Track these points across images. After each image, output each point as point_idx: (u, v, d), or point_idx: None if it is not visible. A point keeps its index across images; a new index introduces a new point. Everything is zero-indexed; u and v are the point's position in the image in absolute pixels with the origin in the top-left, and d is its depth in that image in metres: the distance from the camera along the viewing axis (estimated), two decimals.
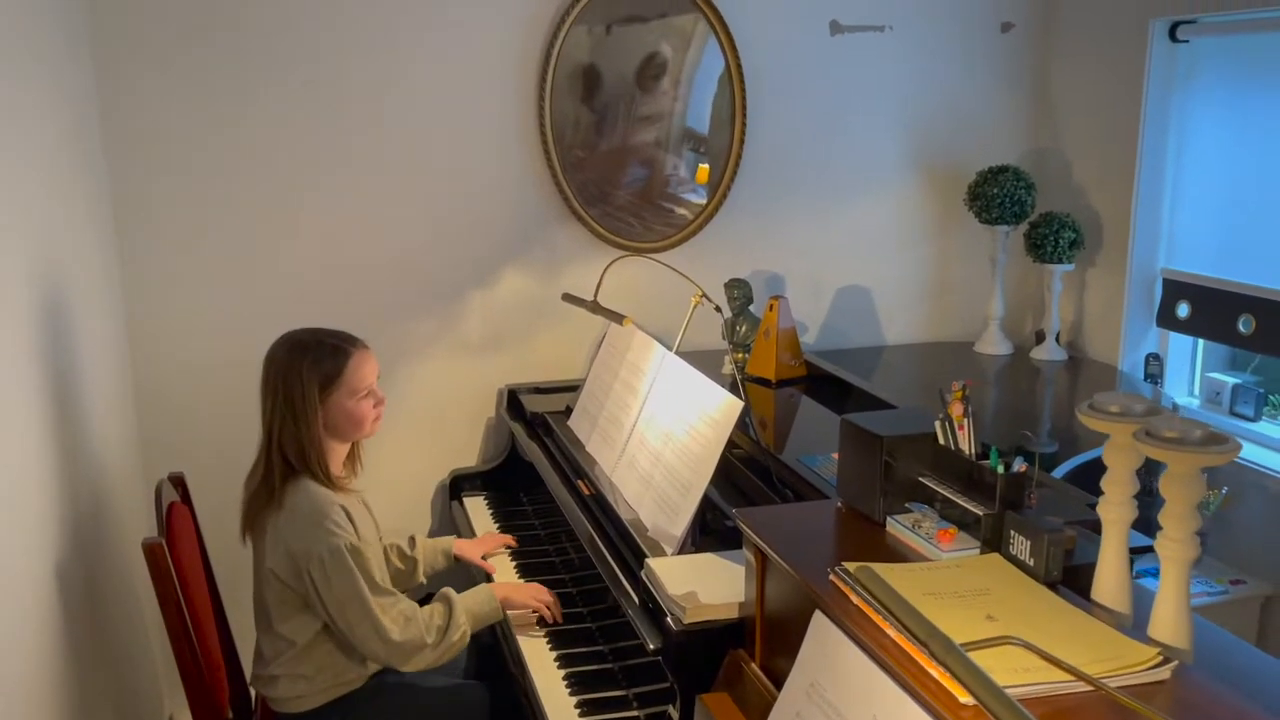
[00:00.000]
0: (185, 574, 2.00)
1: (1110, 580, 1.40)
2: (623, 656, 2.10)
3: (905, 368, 3.27)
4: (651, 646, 1.80)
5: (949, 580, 1.45)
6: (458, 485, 3.00)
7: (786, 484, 2.20)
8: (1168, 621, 1.30)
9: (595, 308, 2.66)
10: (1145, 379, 3.14)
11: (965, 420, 1.60)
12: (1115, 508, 1.38)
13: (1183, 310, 3.06)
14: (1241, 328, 2.86)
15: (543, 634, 2.24)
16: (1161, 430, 1.27)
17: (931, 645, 1.09)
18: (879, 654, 1.30)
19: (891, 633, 1.31)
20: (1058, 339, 3.27)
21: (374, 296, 2.97)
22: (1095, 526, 1.44)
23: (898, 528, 1.64)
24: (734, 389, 2.25)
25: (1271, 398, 2.94)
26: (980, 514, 1.54)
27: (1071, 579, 1.45)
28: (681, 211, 3.19)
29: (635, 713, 1.97)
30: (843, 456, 1.77)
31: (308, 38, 2.81)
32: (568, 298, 2.82)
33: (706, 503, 2.07)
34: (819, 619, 1.42)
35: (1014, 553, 1.49)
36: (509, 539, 2.64)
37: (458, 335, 3.09)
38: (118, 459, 2.57)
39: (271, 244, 2.88)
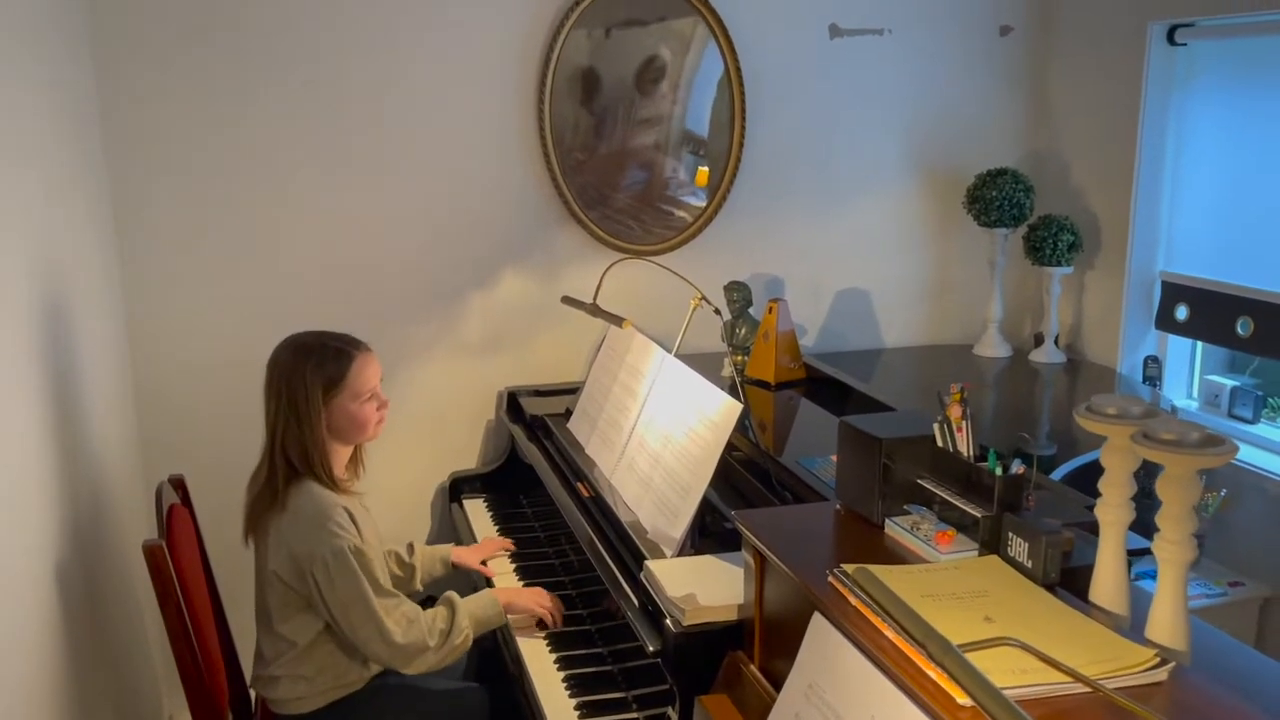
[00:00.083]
0: (185, 576, 2.00)
1: (1108, 582, 1.40)
2: (622, 658, 2.10)
3: (904, 370, 3.27)
4: (651, 648, 1.80)
5: (947, 582, 1.45)
6: (457, 487, 3.00)
7: (785, 486, 2.20)
8: (1165, 623, 1.30)
9: (595, 310, 2.66)
10: (1144, 381, 3.14)
11: (964, 422, 1.61)
12: (1113, 510, 1.39)
13: (1181, 313, 3.06)
14: (1240, 330, 2.86)
15: (542, 636, 2.24)
16: (1158, 432, 1.27)
17: (929, 646, 1.09)
18: (877, 655, 1.30)
19: (890, 634, 1.31)
20: (1056, 341, 3.28)
21: (374, 297, 2.98)
22: (1093, 528, 1.44)
23: (896, 530, 1.64)
24: (733, 391, 2.25)
25: (1270, 400, 2.95)
26: (978, 516, 1.54)
27: (1069, 581, 1.45)
28: (681, 214, 3.20)
29: (635, 714, 1.98)
30: (841, 459, 1.77)
31: (308, 38, 2.81)
32: (567, 300, 2.82)
33: (706, 505, 2.07)
34: (818, 621, 1.43)
35: (1012, 554, 1.49)
36: (507, 543, 2.64)
37: (457, 337, 3.09)
38: (118, 459, 2.57)
39: (271, 244, 2.89)
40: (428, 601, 2.22)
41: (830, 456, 2.18)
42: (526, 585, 2.44)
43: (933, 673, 1.22)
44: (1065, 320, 3.38)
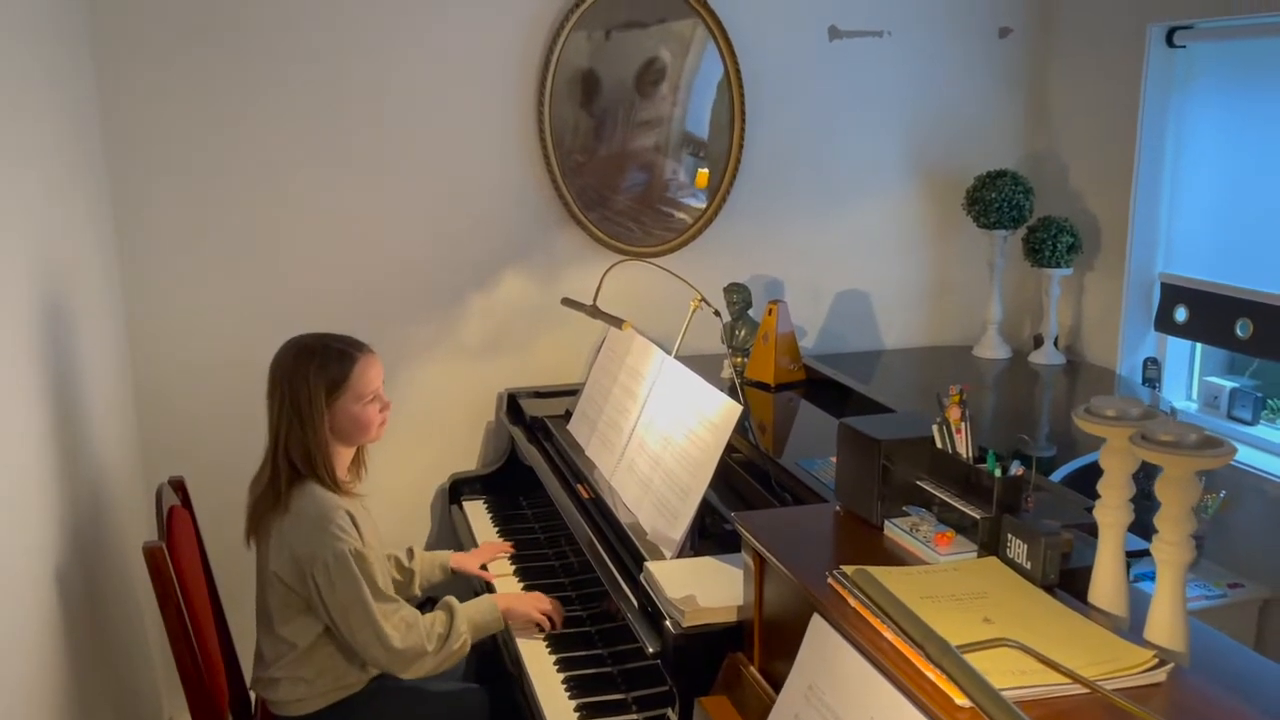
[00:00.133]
0: (185, 577, 2.00)
1: (1107, 583, 1.40)
2: (622, 660, 2.10)
3: (904, 372, 3.27)
4: (650, 650, 1.80)
5: (946, 583, 1.45)
6: (457, 489, 2.99)
7: (785, 488, 2.20)
8: (1164, 624, 1.30)
9: (594, 312, 2.66)
10: (1143, 383, 3.14)
11: (963, 424, 1.61)
12: (1112, 511, 1.39)
13: (1180, 314, 3.06)
14: (1239, 332, 2.86)
15: (542, 637, 2.24)
16: (1157, 434, 1.27)
17: (928, 647, 1.09)
18: (877, 657, 1.30)
19: (889, 635, 1.31)
20: (1056, 343, 3.28)
21: (373, 298, 2.98)
22: (1092, 530, 1.44)
23: (895, 531, 1.64)
24: (733, 393, 2.25)
25: (1269, 402, 2.95)
26: (978, 517, 1.54)
27: (1068, 582, 1.45)
28: (681, 216, 3.20)
29: (634, 716, 1.98)
30: (841, 460, 1.77)
31: (308, 38, 2.81)
32: (567, 302, 2.82)
33: (705, 506, 2.07)
34: (817, 622, 1.43)
35: (1011, 556, 1.49)
36: (506, 546, 2.64)
37: (457, 339, 3.09)
38: (118, 460, 2.57)
39: (271, 244, 2.89)
40: (427, 604, 2.22)
41: (830, 458, 2.18)
42: (526, 587, 2.44)
43: (932, 674, 1.22)
44: (1064, 322, 3.38)
